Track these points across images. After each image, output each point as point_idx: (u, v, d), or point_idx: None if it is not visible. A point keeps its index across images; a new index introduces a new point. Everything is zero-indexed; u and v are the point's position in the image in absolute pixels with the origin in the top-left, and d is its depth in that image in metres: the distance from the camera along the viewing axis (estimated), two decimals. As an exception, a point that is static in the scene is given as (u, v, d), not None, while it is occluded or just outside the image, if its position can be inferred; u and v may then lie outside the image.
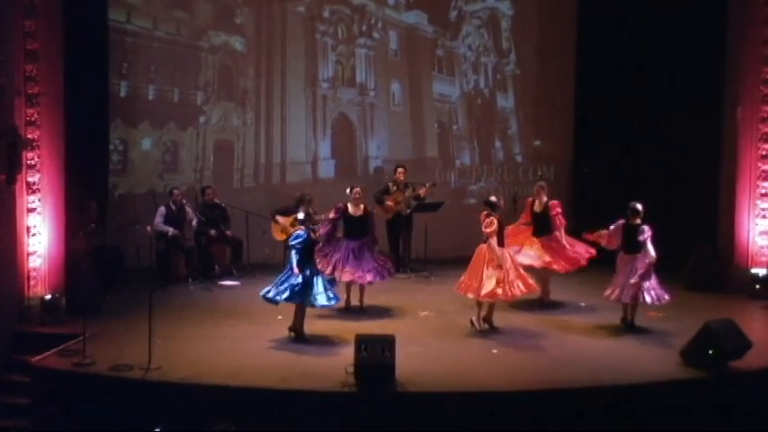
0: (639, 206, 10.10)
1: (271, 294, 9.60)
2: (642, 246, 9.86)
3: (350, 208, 11.01)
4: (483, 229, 9.90)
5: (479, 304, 10.04)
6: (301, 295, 9.50)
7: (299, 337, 9.62)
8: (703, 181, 12.99)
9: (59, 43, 10.73)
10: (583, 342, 9.65)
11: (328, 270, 10.51)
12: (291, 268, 9.58)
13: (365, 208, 11.08)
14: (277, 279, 9.68)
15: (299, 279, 9.48)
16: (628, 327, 10.12)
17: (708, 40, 12.88)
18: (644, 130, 14.10)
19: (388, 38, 15.55)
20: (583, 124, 15.20)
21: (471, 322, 10.05)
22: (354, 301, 11.03)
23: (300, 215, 10.14)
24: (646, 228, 9.94)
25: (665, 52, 13.66)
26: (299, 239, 9.65)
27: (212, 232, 13.02)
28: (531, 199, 11.67)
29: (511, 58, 15.98)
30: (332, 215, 10.97)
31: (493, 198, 10.23)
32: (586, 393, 8.21)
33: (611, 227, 10.29)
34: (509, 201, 12.24)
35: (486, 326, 10.03)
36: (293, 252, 9.67)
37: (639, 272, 9.80)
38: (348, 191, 11.20)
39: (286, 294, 9.50)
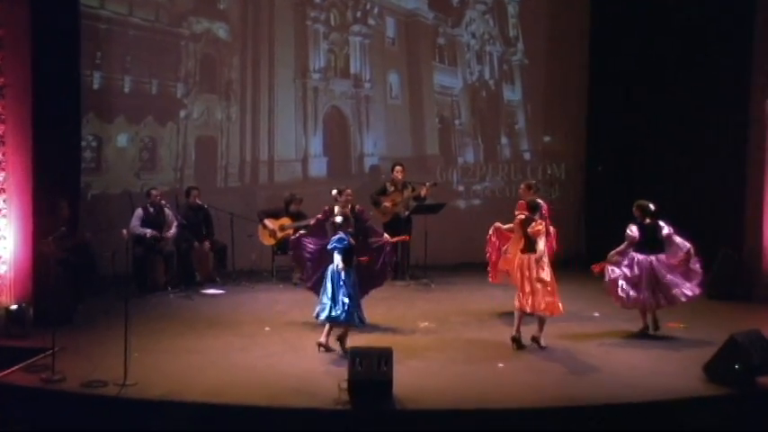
0: (651, 205, 10.15)
1: (327, 314, 9.43)
2: (667, 243, 10.02)
3: (336, 211, 10.78)
4: (529, 230, 9.76)
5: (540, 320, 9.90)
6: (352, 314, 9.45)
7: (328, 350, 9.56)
8: (728, 180, 12.97)
9: (26, 30, 10.65)
10: (597, 356, 9.60)
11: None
12: (334, 275, 9.52)
13: (351, 208, 10.83)
14: (327, 294, 9.52)
15: (347, 296, 9.42)
16: (650, 332, 10.18)
17: (734, 27, 12.85)
18: (663, 126, 14.09)
19: (384, 25, 15.56)
20: (596, 119, 15.20)
21: (535, 341, 9.91)
22: None
23: (339, 218, 9.91)
24: (663, 223, 10.07)
25: (687, 41, 13.65)
26: (344, 242, 9.55)
27: (196, 244, 13.01)
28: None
29: (518, 47, 16.01)
30: (320, 216, 10.79)
31: (539, 201, 10.15)
32: (601, 412, 8.14)
33: (626, 241, 10.26)
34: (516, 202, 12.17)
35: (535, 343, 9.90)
36: (336, 253, 9.53)
37: (695, 265, 10.07)
38: (335, 192, 10.76)
39: (342, 314, 9.38)
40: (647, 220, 10.13)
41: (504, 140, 16.00)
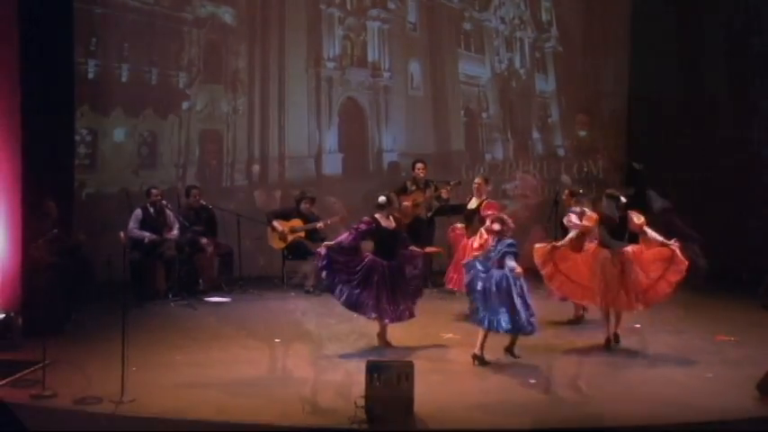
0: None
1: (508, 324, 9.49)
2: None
3: (382, 220, 10.51)
4: (636, 222, 10.00)
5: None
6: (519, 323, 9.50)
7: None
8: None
9: (13, 14, 10.64)
10: (637, 371, 9.54)
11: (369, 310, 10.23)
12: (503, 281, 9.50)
13: (396, 218, 10.65)
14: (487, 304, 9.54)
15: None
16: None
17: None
18: (713, 121, 13.97)
19: (405, 9, 15.56)
20: (638, 112, 15.10)
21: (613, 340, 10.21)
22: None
23: (497, 225, 9.80)
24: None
25: (744, 27, 13.50)
26: (515, 246, 9.62)
27: (204, 240, 12.99)
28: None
29: (552, 33, 15.96)
30: (362, 227, 10.55)
31: (618, 193, 10.31)
32: (644, 433, 8.12)
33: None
34: (550, 203, 12.15)
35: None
36: (509, 258, 9.53)
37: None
38: (383, 199, 10.44)
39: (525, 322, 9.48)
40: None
41: (535, 135, 15.95)
